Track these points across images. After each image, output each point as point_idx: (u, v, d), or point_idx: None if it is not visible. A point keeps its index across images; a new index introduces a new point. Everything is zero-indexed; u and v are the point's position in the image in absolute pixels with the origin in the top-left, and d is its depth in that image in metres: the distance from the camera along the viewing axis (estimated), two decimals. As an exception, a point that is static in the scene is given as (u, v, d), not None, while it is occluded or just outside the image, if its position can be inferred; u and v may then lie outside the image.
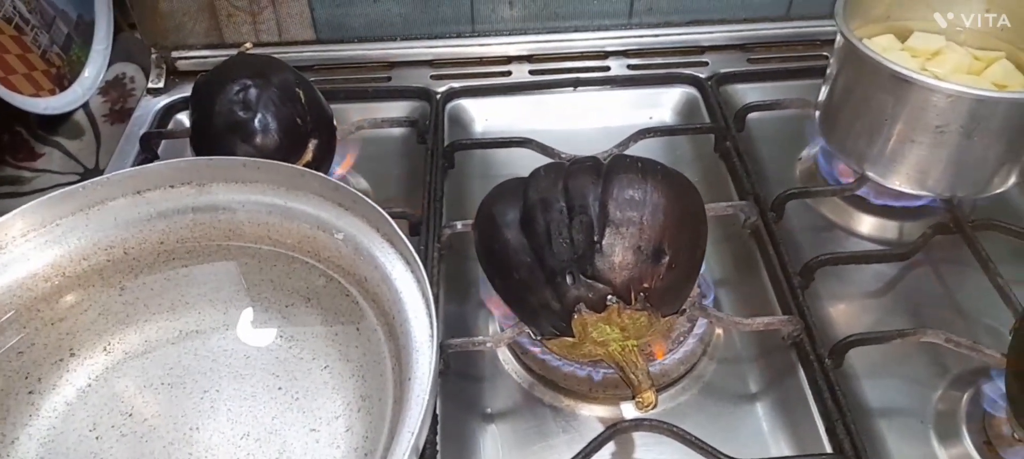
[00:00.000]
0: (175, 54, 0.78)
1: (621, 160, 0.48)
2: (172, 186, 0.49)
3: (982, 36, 0.61)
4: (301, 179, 0.49)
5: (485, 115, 0.74)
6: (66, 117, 0.74)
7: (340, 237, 0.47)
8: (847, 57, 0.58)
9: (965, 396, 0.50)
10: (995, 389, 0.48)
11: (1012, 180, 0.57)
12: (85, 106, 0.76)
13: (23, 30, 0.69)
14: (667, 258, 0.44)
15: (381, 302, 0.45)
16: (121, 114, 0.76)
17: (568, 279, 0.44)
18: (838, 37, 0.57)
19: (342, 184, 0.48)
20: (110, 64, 0.79)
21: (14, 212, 0.46)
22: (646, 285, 0.44)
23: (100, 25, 0.78)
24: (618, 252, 0.44)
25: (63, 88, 0.74)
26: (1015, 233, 0.57)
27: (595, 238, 0.44)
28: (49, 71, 0.72)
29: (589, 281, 0.44)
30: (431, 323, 0.41)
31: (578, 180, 0.46)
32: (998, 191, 0.57)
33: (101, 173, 0.72)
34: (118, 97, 0.78)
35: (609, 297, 0.44)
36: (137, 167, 0.49)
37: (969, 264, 0.55)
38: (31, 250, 0.46)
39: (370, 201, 0.46)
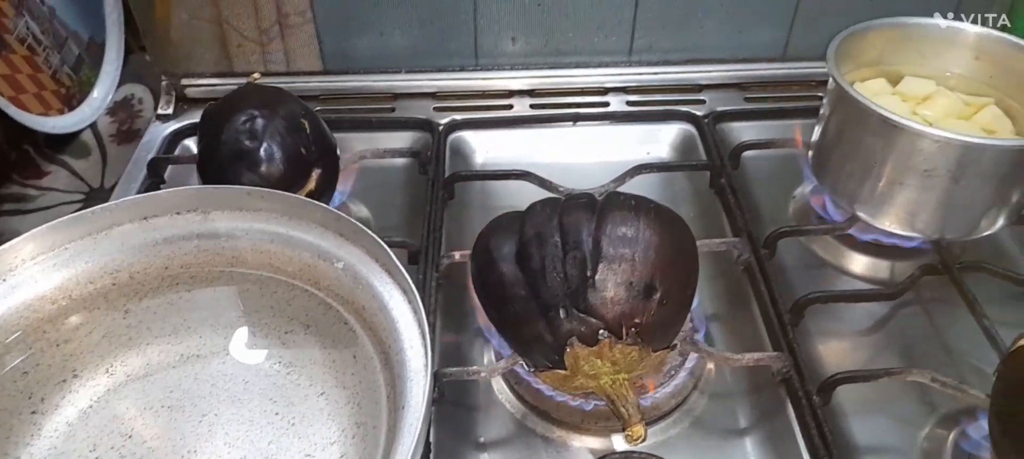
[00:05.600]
0: (185, 81, 0.80)
1: (615, 197, 0.49)
2: (178, 213, 0.51)
3: (972, 82, 0.63)
4: (304, 209, 0.50)
5: (486, 147, 0.76)
6: (73, 136, 0.76)
7: (340, 266, 0.48)
8: (838, 100, 0.59)
9: (951, 436, 0.50)
10: (979, 430, 0.48)
11: (1000, 223, 0.58)
12: (93, 126, 0.77)
13: (35, 50, 0.71)
14: (658, 294, 0.45)
15: (378, 331, 0.46)
16: (128, 135, 0.77)
17: (561, 313, 0.45)
18: (830, 80, 0.59)
19: (343, 215, 0.49)
20: (119, 85, 0.80)
21: (25, 235, 0.47)
22: (637, 320, 0.45)
23: (111, 47, 0.80)
24: (610, 287, 0.45)
25: (72, 108, 0.75)
26: (1002, 275, 0.58)
27: (588, 273, 0.45)
28: (58, 91, 0.74)
29: (582, 315, 0.45)
30: (426, 353, 0.42)
31: (573, 216, 0.47)
32: (986, 234, 0.58)
33: (107, 192, 0.74)
34: (126, 118, 0.79)
35: (601, 331, 0.45)
36: (144, 194, 0.51)
37: (957, 304, 0.56)
38: (40, 272, 0.47)
39: (370, 232, 0.48)
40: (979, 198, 0.55)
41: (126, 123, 0.79)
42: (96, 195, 0.75)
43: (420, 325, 0.43)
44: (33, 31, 0.70)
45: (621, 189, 0.63)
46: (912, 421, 0.52)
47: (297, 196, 0.50)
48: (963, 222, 0.57)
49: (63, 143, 0.75)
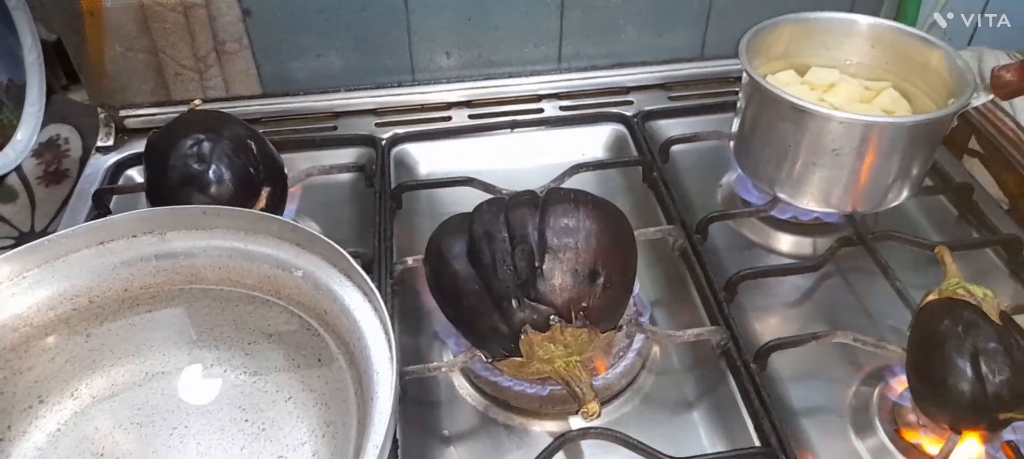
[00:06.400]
0: (123, 113, 0.80)
1: (556, 192, 0.52)
2: (134, 236, 0.51)
3: (870, 68, 0.68)
4: (259, 222, 0.51)
5: (429, 158, 0.78)
6: (-2, 181, 0.74)
7: (299, 274, 0.50)
8: (753, 92, 0.64)
9: (876, 390, 0.55)
10: (900, 382, 0.53)
11: (904, 194, 0.63)
12: (18, 169, 0.75)
13: (-49, 98, 0.69)
14: (602, 278, 0.49)
15: (341, 333, 0.48)
16: (56, 176, 0.76)
17: (514, 303, 0.48)
18: (744, 75, 0.64)
19: (299, 225, 0.51)
20: (43, 126, 0.79)
21: (-15, 267, 0.47)
22: (584, 304, 0.48)
23: (32, 88, 0.77)
24: (557, 276, 0.48)
25: (-5, 152, 0.74)
26: (910, 242, 0.63)
27: (536, 264, 0.48)
28: (-21, 136, 0.72)
29: (533, 304, 0.48)
30: (390, 347, 0.44)
31: (518, 212, 0.50)
32: (893, 204, 0.63)
33: (37, 235, 0.73)
34: (52, 159, 0.78)
35: (552, 317, 0.48)
36: (100, 220, 0.51)
37: (873, 272, 0.61)
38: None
39: (326, 239, 0.49)
40: (884, 172, 0.61)
41: (53, 164, 0.78)
42: (27, 238, 0.73)
43: (382, 322, 0.45)
44: (-53, 78, 0.69)
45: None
46: (841, 380, 0.56)
47: (252, 211, 0.52)
48: (872, 195, 0.62)
49: (-12, 189, 0.74)
